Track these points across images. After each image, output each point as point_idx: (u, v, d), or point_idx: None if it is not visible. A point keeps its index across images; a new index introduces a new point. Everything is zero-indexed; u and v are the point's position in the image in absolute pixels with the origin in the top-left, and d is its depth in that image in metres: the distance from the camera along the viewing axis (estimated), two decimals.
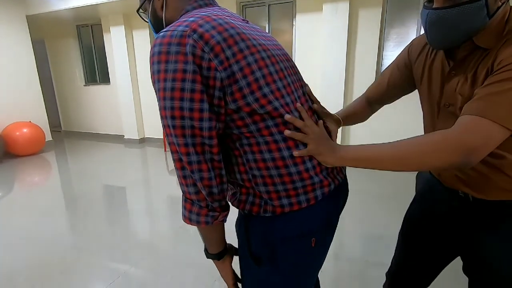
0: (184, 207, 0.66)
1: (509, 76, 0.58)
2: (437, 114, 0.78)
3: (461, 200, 0.79)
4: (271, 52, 0.66)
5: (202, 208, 0.64)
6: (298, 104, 0.67)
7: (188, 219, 0.66)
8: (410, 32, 3.45)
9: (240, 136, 0.63)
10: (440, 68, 0.75)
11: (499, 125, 0.58)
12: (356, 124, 1.04)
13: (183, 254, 2.00)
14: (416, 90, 0.90)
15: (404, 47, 0.90)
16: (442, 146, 0.60)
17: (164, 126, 0.60)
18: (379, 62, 3.65)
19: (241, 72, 0.59)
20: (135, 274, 1.80)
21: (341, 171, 0.75)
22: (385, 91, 0.94)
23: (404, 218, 1.02)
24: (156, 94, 0.60)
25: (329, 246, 0.78)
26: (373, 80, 3.63)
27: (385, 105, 1.02)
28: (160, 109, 0.60)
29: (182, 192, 0.65)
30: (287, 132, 0.63)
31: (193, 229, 2.27)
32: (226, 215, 0.69)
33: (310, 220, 0.67)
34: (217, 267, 0.78)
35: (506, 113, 0.57)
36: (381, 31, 3.54)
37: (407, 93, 0.94)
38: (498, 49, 0.62)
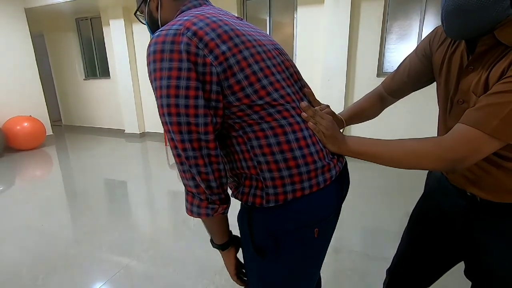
0: (186, 200, 0.68)
1: None
2: (449, 110, 0.75)
3: (468, 200, 0.77)
4: (267, 47, 0.69)
5: (202, 201, 0.66)
6: (304, 103, 0.69)
7: (190, 211, 0.68)
8: (413, 24, 3.41)
9: (242, 125, 0.64)
10: (459, 61, 0.71)
11: (493, 137, 0.58)
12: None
13: (184, 247, 2.01)
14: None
15: (427, 35, 0.84)
16: (433, 152, 0.63)
17: (162, 123, 0.63)
18: (381, 55, 3.61)
19: (238, 65, 0.61)
20: (136, 267, 1.81)
21: (342, 158, 0.76)
22: (405, 81, 0.89)
23: (411, 215, 1.00)
24: (154, 92, 0.62)
25: (330, 238, 0.78)
26: (375, 73, 3.61)
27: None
28: (158, 107, 0.62)
29: (184, 185, 0.67)
30: (304, 115, 0.67)
31: (194, 223, 2.28)
32: (226, 208, 0.70)
33: (313, 210, 0.67)
34: (222, 256, 0.80)
35: (501, 125, 0.57)
36: (383, 23, 3.50)
37: (428, 84, 0.89)
38: None
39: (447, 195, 0.84)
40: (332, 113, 0.82)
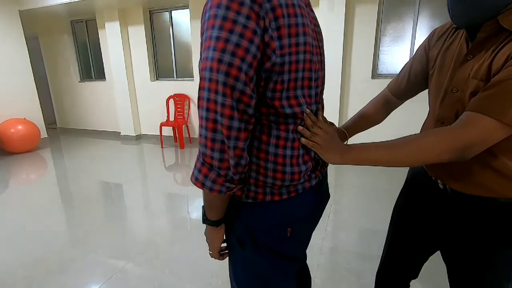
0: (199, 170, 0.59)
1: None
2: (441, 100, 0.76)
3: (440, 192, 0.80)
4: (319, 57, 0.68)
5: (220, 177, 0.59)
6: (307, 109, 0.69)
7: (200, 183, 0.60)
8: (407, 27, 3.45)
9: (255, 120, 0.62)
10: (455, 52, 0.73)
11: (501, 122, 0.57)
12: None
13: (180, 250, 2.00)
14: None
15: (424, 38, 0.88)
16: (440, 144, 0.62)
17: (203, 78, 0.54)
18: (375, 57, 3.65)
19: (289, 65, 0.58)
20: (132, 269, 1.81)
21: (323, 169, 0.77)
22: (407, 82, 0.91)
23: (394, 206, 1.05)
24: (202, 43, 0.55)
25: (306, 241, 0.81)
26: (370, 75, 3.64)
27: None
28: (201, 61, 0.54)
29: (202, 154, 0.58)
30: (299, 128, 0.65)
31: (190, 225, 2.28)
32: (241, 188, 0.67)
33: (288, 212, 0.70)
34: (210, 233, 0.75)
35: (510, 110, 0.56)
36: (377, 26, 3.53)
37: None
38: None
39: (423, 186, 0.87)
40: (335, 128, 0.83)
